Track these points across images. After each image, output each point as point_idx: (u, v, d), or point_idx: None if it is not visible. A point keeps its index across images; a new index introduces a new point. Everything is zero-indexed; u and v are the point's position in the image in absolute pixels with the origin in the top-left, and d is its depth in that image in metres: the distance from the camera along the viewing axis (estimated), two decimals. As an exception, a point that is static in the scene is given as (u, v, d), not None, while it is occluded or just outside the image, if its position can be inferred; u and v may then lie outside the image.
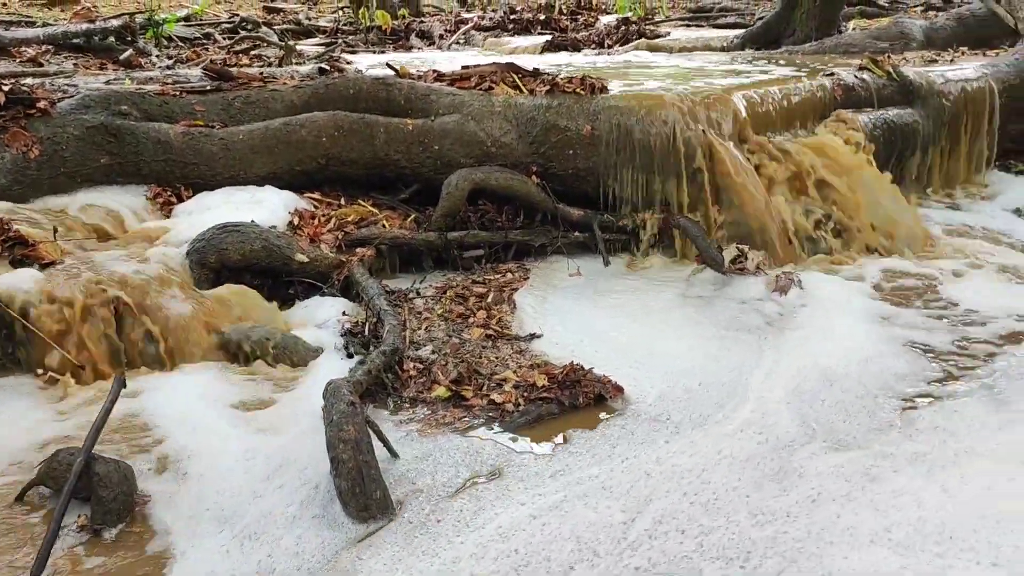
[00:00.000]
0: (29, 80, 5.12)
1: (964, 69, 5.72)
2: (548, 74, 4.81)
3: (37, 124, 3.96)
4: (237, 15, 12.38)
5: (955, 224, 4.84)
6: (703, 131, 4.35)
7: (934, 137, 5.34)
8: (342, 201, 4.40)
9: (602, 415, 2.77)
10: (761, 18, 9.28)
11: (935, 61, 6.26)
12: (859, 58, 5.72)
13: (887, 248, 4.37)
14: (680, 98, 4.49)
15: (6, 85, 4.08)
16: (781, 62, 6.64)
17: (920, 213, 4.95)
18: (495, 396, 2.85)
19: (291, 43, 8.14)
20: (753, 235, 4.27)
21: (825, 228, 4.37)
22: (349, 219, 4.20)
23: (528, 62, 5.58)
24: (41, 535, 2.13)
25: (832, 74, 5.21)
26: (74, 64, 7.29)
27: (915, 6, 11.04)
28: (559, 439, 2.63)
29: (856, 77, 5.23)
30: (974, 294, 3.79)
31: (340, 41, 10.55)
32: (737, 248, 4.17)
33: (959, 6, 8.75)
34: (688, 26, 10.85)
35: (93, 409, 2.66)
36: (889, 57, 5.74)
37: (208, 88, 4.55)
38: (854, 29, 8.40)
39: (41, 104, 3.98)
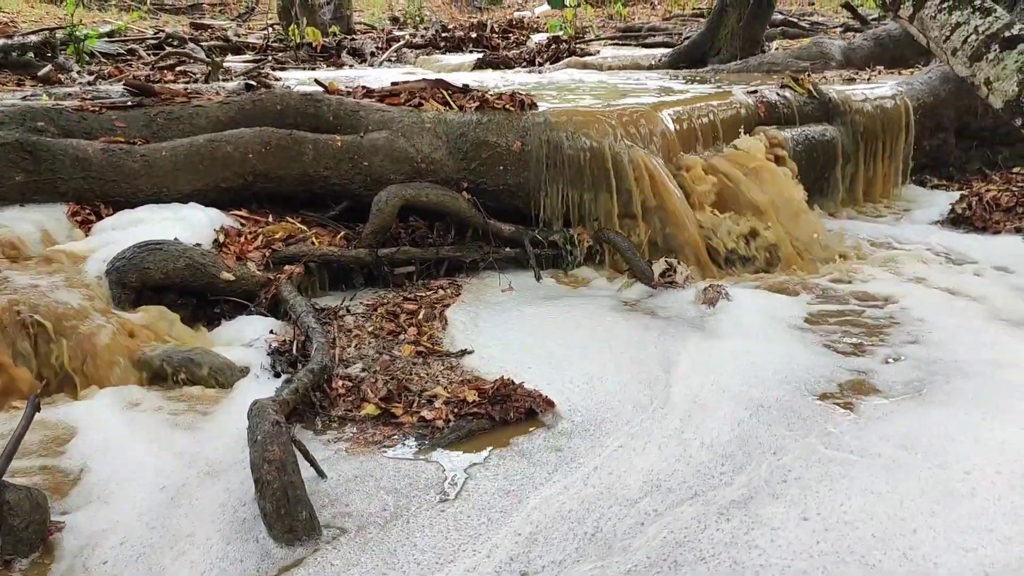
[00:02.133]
0: (-61, 96, 4.92)
1: (881, 87, 5.93)
2: (478, 90, 4.83)
3: (-53, 141, 3.81)
4: (163, 31, 12.13)
5: (873, 236, 4.98)
6: (632, 147, 4.41)
7: (853, 153, 5.51)
8: (270, 218, 4.33)
9: (532, 429, 2.77)
10: (688, 37, 9.49)
11: (853, 80, 6.47)
12: (781, 77, 5.88)
13: (807, 260, 4.47)
14: (609, 114, 4.55)
15: (-87, 100, 3.92)
16: (707, 80, 6.79)
17: (840, 226, 5.11)
18: (425, 413, 2.83)
19: (218, 59, 8.00)
20: (681, 249, 4.34)
21: (749, 241, 4.46)
22: (277, 236, 4.13)
23: (459, 79, 5.60)
24: (-55, 569, 2.03)
25: (755, 91, 5.34)
26: (-11, 80, 7.05)
27: (834, 27, 11.42)
28: (487, 455, 2.62)
29: (778, 95, 5.38)
30: (898, 304, 3.90)
31: (270, 58, 10.43)
32: (666, 262, 4.23)
33: (876, 27, 9.07)
34: (618, 45, 11.02)
35: (2, 434, 2.56)
36: (810, 75, 5.92)
37: (129, 104, 4.44)
38: (777, 49, 8.64)
39: (-49, 120, 3.83)
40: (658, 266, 4.24)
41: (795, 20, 11.75)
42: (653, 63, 8.45)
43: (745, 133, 5.03)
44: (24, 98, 5.03)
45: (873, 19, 10.69)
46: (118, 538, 2.17)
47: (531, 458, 2.59)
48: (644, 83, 6.49)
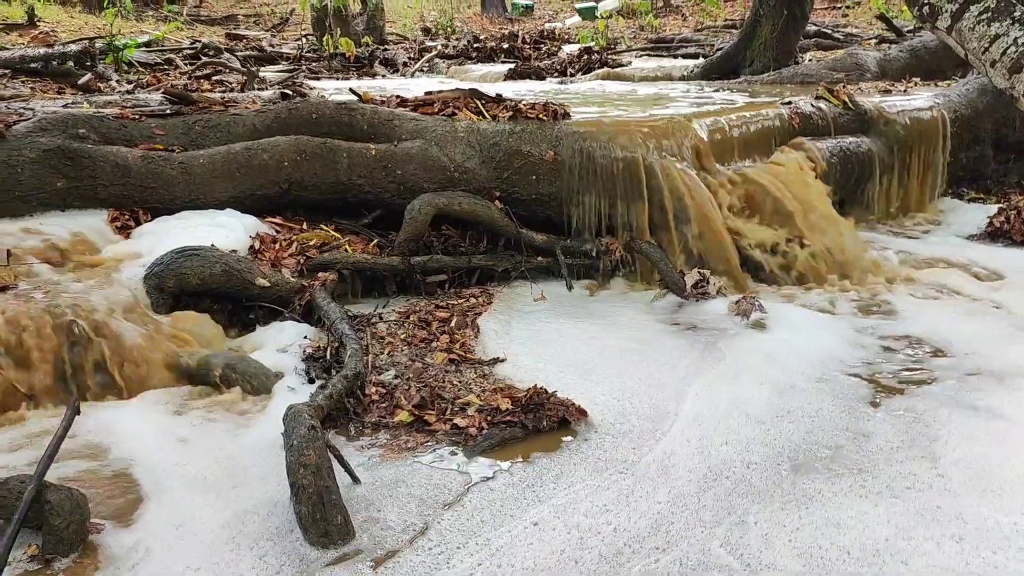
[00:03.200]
0: (-17, 103, 5.03)
1: (917, 99, 5.87)
2: (511, 100, 4.84)
3: (-9, 147, 3.89)
4: (199, 41, 12.31)
5: (908, 251, 4.92)
6: (664, 157, 4.40)
7: (888, 165, 5.46)
8: (304, 226, 4.37)
9: (565, 438, 2.76)
10: (720, 48, 9.46)
11: (889, 91, 6.41)
12: (815, 88, 5.84)
13: (841, 274, 4.43)
14: (642, 124, 4.55)
15: (-40, 108, 4.01)
16: (740, 91, 6.76)
17: (874, 239, 5.05)
18: (458, 420, 2.83)
19: (253, 69, 8.10)
20: (713, 260, 4.32)
21: (783, 253, 4.43)
22: (311, 243, 4.17)
23: (492, 89, 5.62)
24: (-12, 566, 2.06)
25: (790, 103, 5.31)
26: (31, 88, 7.19)
27: (869, 38, 11.32)
28: (521, 463, 2.62)
29: (813, 106, 5.34)
30: (926, 318, 3.85)
31: (303, 68, 10.55)
32: (699, 273, 4.21)
33: (911, 38, 8.99)
34: (649, 56, 11.00)
35: (45, 436, 2.60)
36: (845, 87, 5.87)
37: (168, 112, 4.51)
38: (810, 60, 8.59)
39: (-4, 127, 3.91)
40: (690, 277, 4.22)
41: (828, 31, 11.66)
42: (685, 74, 8.43)
43: (779, 144, 5.01)
44: (65, 106, 5.13)
45: (908, 30, 10.59)
46: (157, 540, 2.19)
47: (564, 467, 2.58)
48: (676, 94, 6.48)
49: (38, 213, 3.92)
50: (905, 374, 3.27)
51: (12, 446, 2.62)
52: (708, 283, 4.18)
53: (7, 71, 8.01)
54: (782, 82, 7.36)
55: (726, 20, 15.13)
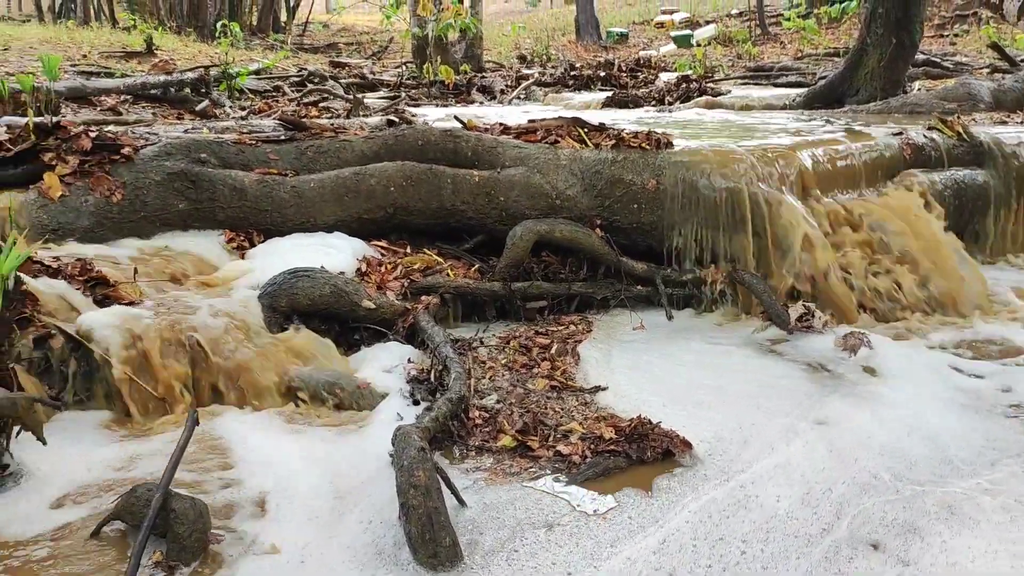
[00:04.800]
0: (112, 128, 5.33)
1: (1036, 130, 5.64)
2: (614, 128, 4.86)
3: (120, 170, 4.12)
4: (305, 69, 12.77)
5: (1027, 287, 4.71)
6: (769, 187, 4.34)
7: (1005, 199, 5.25)
8: (408, 249, 4.47)
9: (670, 470, 2.73)
10: (823, 77, 9.29)
11: (1005, 122, 6.18)
12: (926, 119, 5.68)
13: (955, 311, 4.27)
14: (746, 154, 4.50)
15: (92, 132, 4.26)
16: (846, 121, 6.62)
17: (990, 276, 4.84)
18: (561, 447, 2.84)
19: (359, 96, 8.36)
20: (819, 294, 4.22)
21: (892, 288, 4.29)
22: (415, 267, 4.26)
23: (592, 117, 5.65)
24: (117, 570, 2.16)
25: (900, 133, 5.18)
26: (152, 113, 7.58)
27: (980, 68, 10.94)
28: (625, 493, 2.60)
29: (925, 137, 5.19)
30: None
31: (403, 95, 10.81)
32: (804, 306, 4.12)
33: (1027, 68, 8.65)
34: (748, 84, 10.89)
35: (166, 445, 2.72)
36: (959, 117, 5.68)
37: (283, 138, 4.70)
38: (919, 89, 8.34)
39: (125, 150, 4.14)
40: (795, 310, 4.13)
41: (937, 60, 11.34)
42: (787, 103, 8.30)
43: (889, 176, 4.87)
44: (186, 131, 5.39)
45: (1022, 59, 10.20)
46: (274, 555, 2.26)
47: (668, 499, 2.56)
48: (779, 123, 6.39)
49: (161, 233, 4.12)
50: None
51: (138, 454, 2.74)
52: (813, 317, 4.08)
53: (129, 97, 8.47)
54: (890, 112, 7.17)
55: (827, 48, 14.85)
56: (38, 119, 4.34)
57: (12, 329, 2.95)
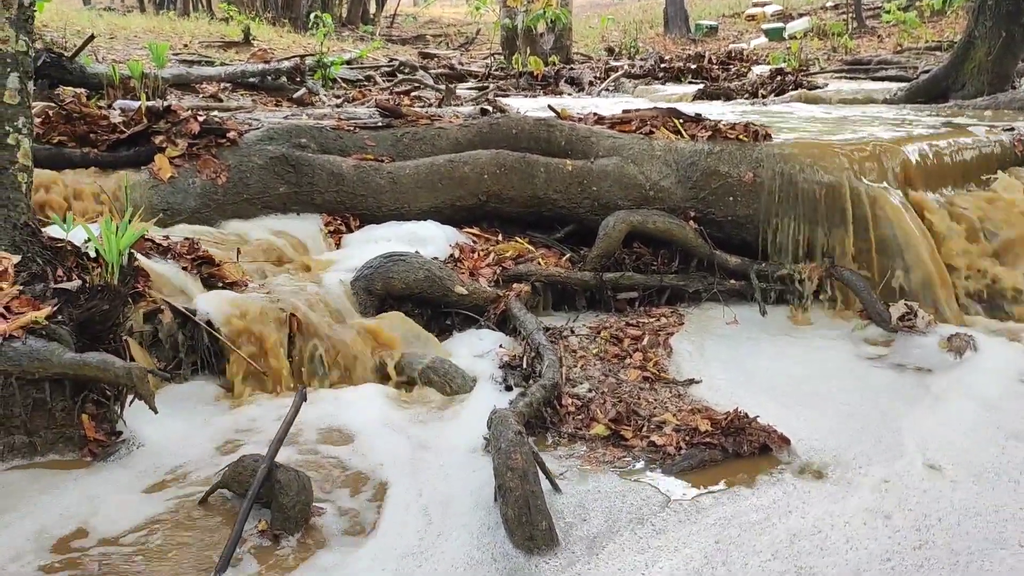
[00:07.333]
0: (216, 113, 5.50)
1: None
2: (710, 120, 4.79)
3: (225, 153, 4.25)
4: (395, 60, 12.95)
5: None
6: (871, 182, 4.21)
7: (1126, 199, 4.96)
8: (499, 237, 4.50)
9: (767, 466, 2.69)
10: (926, 71, 8.95)
11: None
12: (1040, 113, 5.42)
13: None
14: (847, 148, 4.38)
15: (200, 116, 4.40)
16: (951, 116, 6.37)
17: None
18: (655, 438, 2.81)
19: (451, 85, 8.44)
20: (922, 292, 4.08)
21: (1004, 289, 4.12)
22: (506, 255, 4.28)
23: (687, 109, 5.57)
24: (223, 535, 2.24)
25: (1012, 128, 4.96)
26: (252, 100, 7.80)
27: (1096, 62, 10.36)
28: (724, 488, 2.57)
29: (1039, 132, 4.96)
30: None
31: (492, 85, 10.86)
32: (906, 305, 3.98)
33: None
34: (845, 78, 10.58)
35: (271, 420, 2.80)
36: (1075, 113, 5.41)
37: (380, 124, 4.78)
38: (1029, 84, 7.96)
39: (231, 134, 4.28)
40: (896, 309, 4.00)
41: (1049, 54, 10.78)
42: (888, 97, 8.02)
43: (999, 172, 4.67)
44: (286, 117, 5.53)
45: None
46: (374, 530, 2.31)
47: (767, 495, 2.51)
48: (880, 117, 6.19)
49: (262, 215, 4.24)
50: None
51: (243, 427, 2.84)
52: (916, 316, 3.94)
53: (229, 84, 8.73)
54: (998, 107, 6.86)
55: (929, 42, 14.31)
56: (149, 103, 4.51)
57: (126, 303, 3.08)
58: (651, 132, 4.67)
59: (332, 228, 4.28)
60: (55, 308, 2.66)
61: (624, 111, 5.07)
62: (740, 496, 2.50)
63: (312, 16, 16.38)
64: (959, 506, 2.45)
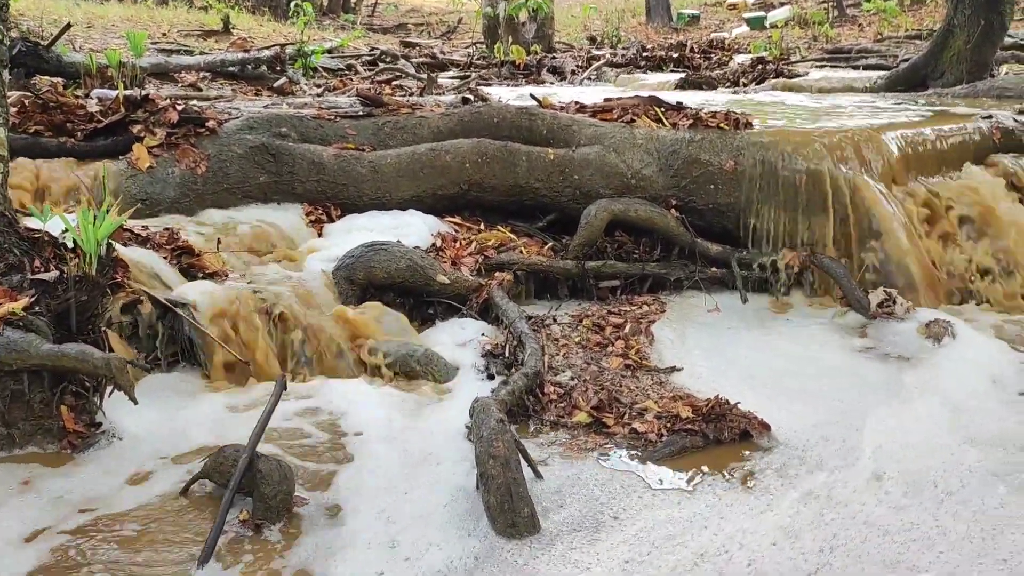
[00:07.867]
0: (195, 102, 5.46)
1: None
2: (691, 108, 4.80)
3: (205, 142, 4.22)
4: (377, 49, 12.88)
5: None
6: (851, 170, 4.24)
7: (1101, 186, 5.02)
8: (482, 226, 4.49)
9: (747, 452, 2.71)
10: (906, 60, 9.00)
11: (1101, 107, 5.90)
12: (1014, 103, 5.47)
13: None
14: (828, 136, 4.40)
15: (179, 105, 4.37)
16: (930, 104, 6.42)
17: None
18: (637, 425, 2.83)
19: (433, 75, 8.41)
20: (901, 279, 4.11)
21: (980, 275, 4.16)
22: (489, 244, 4.28)
23: (669, 97, 5.58)
24: (204, 526, 2.23)
25: (990, 116, 5.00)
26: (231, 90, 7.74)
27: (1073, 51, 10.46)
28: (703, 472, 2.58)
29: (1016, 121, 5.00)
30: None
31: (474, 74, 10.83)
32: (885, 292, 4.01)
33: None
34: (826, 67, 10.61)
35: (251, 409, 2.79)
36: (1051, 101, 5.46)
37: (361, 113, 4.75)
38: (1007, 73, 8.02)
39: (210, 124, 4.24)
40: (875, 296, 4.03)
41: (1027, 43, 10.87)
42: (868, 85, 8.06)
43: (978, 160, 4.71)
44: (266, 107, 5.50)
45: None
46: (356, 518, 2.31)
47: (748, 482, 2.53)
48: (860, 105, 6.22)
49: (242, 205, 4.22)
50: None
51: (223, 417, 2.82)
52: (895, 303, 3.97)
53: (208, 74, 8.66)
54: (976, 95, 6.91)
55: (909, 30, 14.39)
56: (127, 92, 4.47)
57: (104, 293, 3.05)
58: (632, 120, 4.67)
59: (313, 218, 4.25)
60: (32, 299, 2.63)
61: (606, 99, 5.07)
62: (718, 482, 2.52)
63: (292, 5, 16.25)
64: (873, 523, 2.30)
